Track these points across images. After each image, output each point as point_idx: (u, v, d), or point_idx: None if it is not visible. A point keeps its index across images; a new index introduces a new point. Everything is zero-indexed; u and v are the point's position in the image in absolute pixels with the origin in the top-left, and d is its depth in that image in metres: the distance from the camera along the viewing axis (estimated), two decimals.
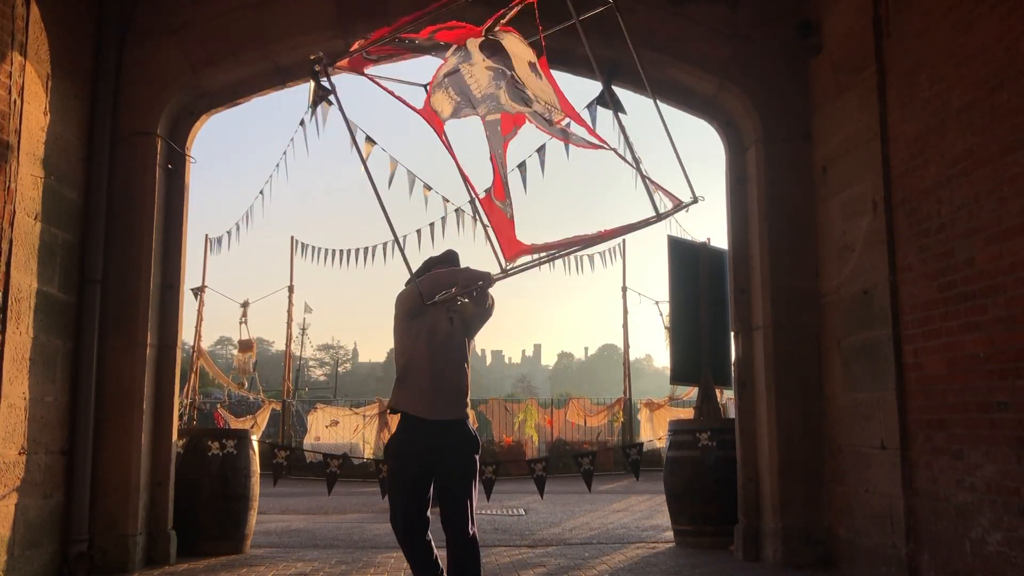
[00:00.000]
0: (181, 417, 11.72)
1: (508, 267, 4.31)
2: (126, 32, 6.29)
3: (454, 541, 4.08)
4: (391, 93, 4.41)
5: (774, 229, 6.37)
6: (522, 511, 10.44)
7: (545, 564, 6.34)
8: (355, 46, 4.22)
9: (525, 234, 4.49)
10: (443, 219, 11.18)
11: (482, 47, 4.36)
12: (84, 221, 5.95)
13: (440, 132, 4.48)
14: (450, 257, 4.47)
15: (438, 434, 4.08)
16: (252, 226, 13.31)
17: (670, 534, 7.49)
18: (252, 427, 16.69)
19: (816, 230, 6.29)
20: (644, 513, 10.14)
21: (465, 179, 4.46)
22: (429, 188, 8.71)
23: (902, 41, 5.22)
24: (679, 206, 3.96)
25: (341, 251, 16.86)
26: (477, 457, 4.21)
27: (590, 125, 4.31)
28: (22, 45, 5.14)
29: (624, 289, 19.90)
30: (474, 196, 4.55)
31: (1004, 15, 4.28)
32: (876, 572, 5.34)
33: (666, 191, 4.12)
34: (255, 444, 7.18)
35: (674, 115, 6.94)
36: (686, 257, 8.07)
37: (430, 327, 4.22)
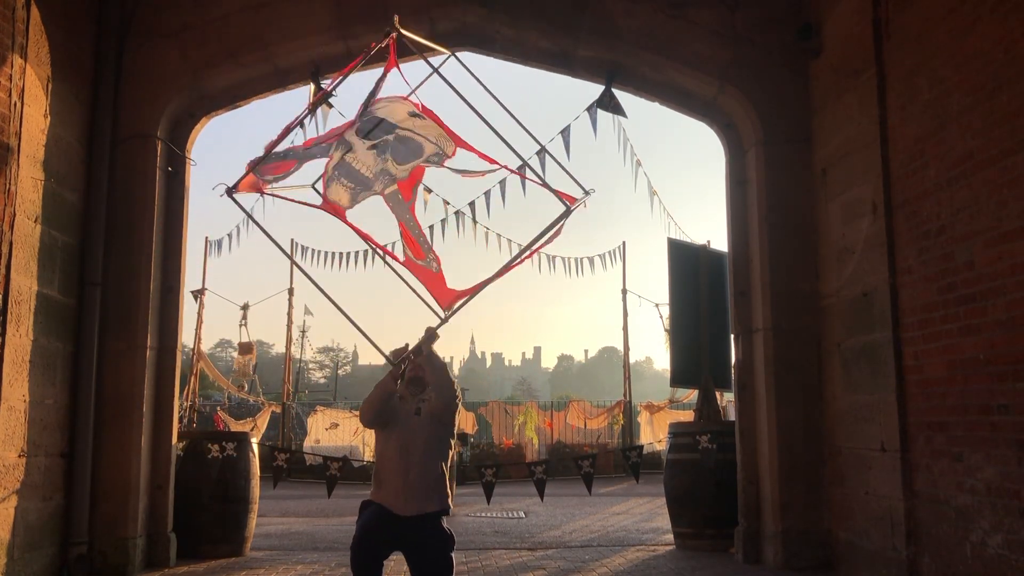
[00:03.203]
0: (181, 420, 11.73)
1: (446, 314, 4.74)
2: (126, 35, 6.30)
3: None
4: (290, 200, 5.13)
5: (774, 231, 6.37)
6: (522, 514, 10.43)
7: (545, 567, 6.33)
8: (247, 169, 4.81)
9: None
10: (443, 221, 11.21)
11: (358, 131, 4.84)
12: (84, 223, 5.95)
13: (344, 219, 5.03)
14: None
15: (410, 527, 4.19)
16: (252, 229, 13.34)
17: (670, 537, 7.48)
18: (252, 430, 16.65)
19: (816, 232, 6.29)
20: (644, 516, 10.13)
21: (383, 250, 5.00)
22: (429, 191, 8.72)
23: (902, 43, 5.22)
24: (577, 202, 4.35)
25: (341, 254, 16.89)
26: (451, 556, 4.28)
27: (478, 150, 4.80)
28: (22, 48, 5.14)
29: (624, 291, 19.92)
30: (395, 262, 5.02)
31: (1003, 17, 4.28)
32: (876, 575, 5.33)
33: (561, 193, 4.50)
34: (255, 447, 7.18)
35: (674, 117, 6.96)
36: (686, 259, 8.07)
37: (401, 427, 4.36)
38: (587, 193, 4.36)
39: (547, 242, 4.60)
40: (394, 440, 4.34)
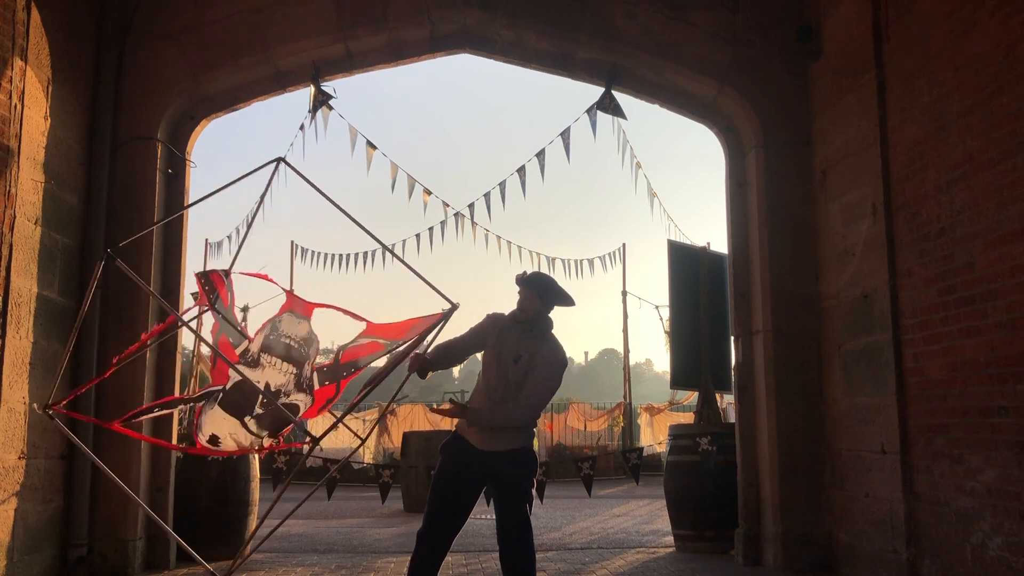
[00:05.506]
0: (181, 422, 11.71)
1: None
2: (126, 36, 6.29)
3: (510, 546, 4.44)
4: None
5: (774, 233, 6.37)
6: None
7: (545, 569, 6.33)
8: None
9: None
10: (443, 223, 11.25)
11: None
12: (84, 226, 5.95)
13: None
14: (540, 283, 4.32)
15: (489, 461, 4.24)
16: (252, 230, 13.34)
17: (670, 539, 7.47)
18: None
19: (816, 234, 6.30)
20: (644, 518, 10.12)
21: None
22: (429, 193, 8.73)
23: (902, 45, 5.23)
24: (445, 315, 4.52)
25: (341, 255, 16.92)
26: (531, 474, 4.41)
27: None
28: (23, 50, 5.15)
29: (624, 293, 19.94)
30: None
31: (1003, 19, 4.29)
32: None
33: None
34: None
35: (674, 119, 6.98)
36: (686, 261, 8.07)
37: (498, 358, 4.26)
38: (454, 307, 4.45)
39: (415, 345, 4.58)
40: (492, 375, 4.25)
